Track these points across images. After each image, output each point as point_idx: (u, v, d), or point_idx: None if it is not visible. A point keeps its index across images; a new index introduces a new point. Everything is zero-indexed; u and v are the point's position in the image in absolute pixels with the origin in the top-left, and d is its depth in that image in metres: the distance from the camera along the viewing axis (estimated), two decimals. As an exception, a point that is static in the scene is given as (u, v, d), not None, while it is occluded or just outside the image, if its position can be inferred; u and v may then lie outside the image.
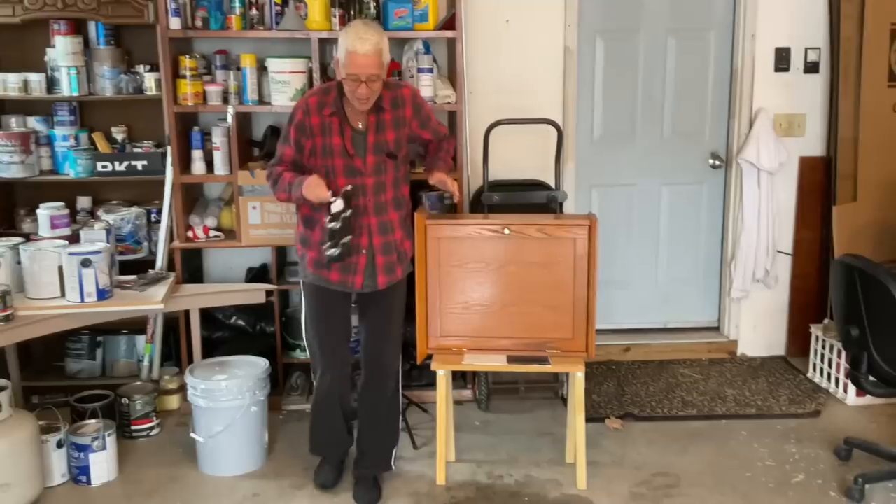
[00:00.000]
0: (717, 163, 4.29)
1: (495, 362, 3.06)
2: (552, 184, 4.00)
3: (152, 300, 3.27)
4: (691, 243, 4.41)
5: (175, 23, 3.44)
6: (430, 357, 3.13)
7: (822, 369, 4.05)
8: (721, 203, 4.37)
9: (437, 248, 2.99)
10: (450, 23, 3.63)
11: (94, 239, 3.33)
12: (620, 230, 4.33)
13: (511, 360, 3.05)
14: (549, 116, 3.96)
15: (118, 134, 3.83)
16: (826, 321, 4.08)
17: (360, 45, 2.52)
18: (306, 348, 3.14)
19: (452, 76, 3.78)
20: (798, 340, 4.32)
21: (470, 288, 3.06)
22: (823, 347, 4.03)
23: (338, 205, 2.57)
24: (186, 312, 3.60)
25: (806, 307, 4.31)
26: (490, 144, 3.69)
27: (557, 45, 4.03)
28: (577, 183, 4.21)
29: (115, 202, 3.91)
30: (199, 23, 3.48)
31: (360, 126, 2.70)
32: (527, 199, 3.71)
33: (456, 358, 3.08)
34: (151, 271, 3.59)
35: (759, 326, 4.39)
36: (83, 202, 3.87)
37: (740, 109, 4.17)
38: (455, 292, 3.06)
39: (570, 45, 4.03)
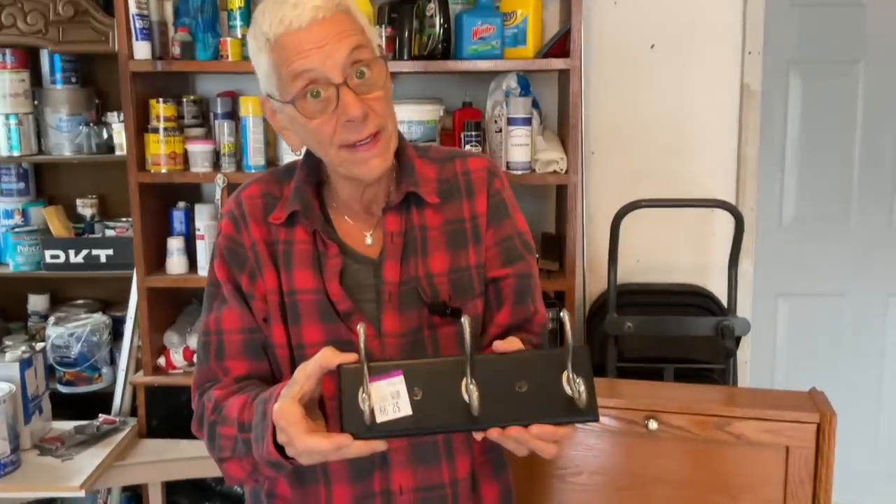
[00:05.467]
0: (983, 264, 2.74)
1: None
2: (717, 293, 2.58)
3: (67, 483, 2.07)
4: (937, 387, 2.85)
5: (142, 50, 2.28)
6: None
7: None
8: None
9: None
10: (559, 46, 2.29)
11: (1, 378, 2.17)
12: (823, 361, 2.84)
13: None
14: (713, 188, 2.64)
15: (86, 209, 2.70)
16: None
17: (290, 10, 1.07)
18: None
19: (563, 130, 2.44)
20: None
21: (580, 518, 1.66)
22: None
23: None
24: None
25: None
26: (620, 233, 2.33)
27: (731, 83, 2.62)
28: (755, 289, 2.75)
29: (80, 302, 2.78)
30: (175, 49, 2.30)
31: (368, 241, 1.21)
32: (681, 328, 2.28)
33: None
34: (101, 417, 2.40)
35: None
36: (36, 303, 2.75)
37: None
38: (553, 524, 1.67)
39: (752, 82, 2.61)
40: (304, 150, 1.20)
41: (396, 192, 1.19)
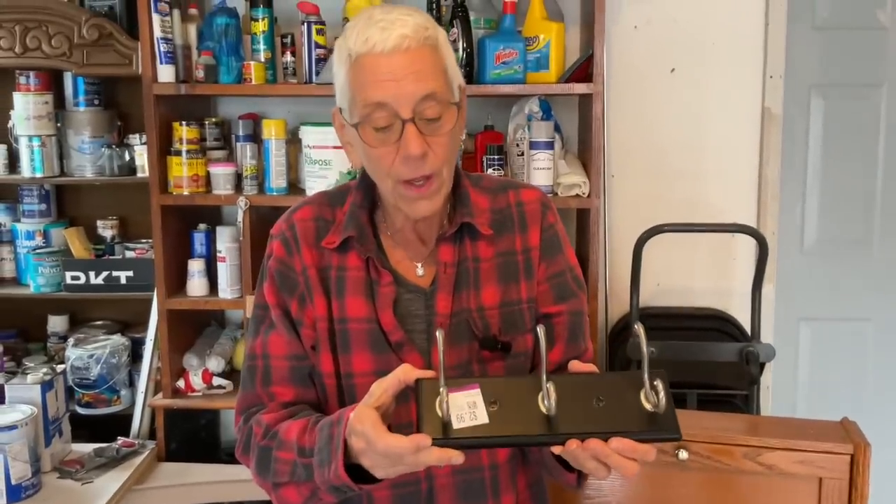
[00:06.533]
0: None
1: None
2: (739, 317, 2.57)
3: (87, 508, 2.06)
4: (965, 415, 2.80)
5: (166, 73, 2.29)
6: None
7: None
8: None
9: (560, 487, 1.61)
10: (582, 71, 2.29)
11: (21, 400, 2.17)
12: (846, 387, 2.80)
13: None
14: (734, 212, 2.61)
15: (106, 230, 2.70)
16: None
17: (377, 33, 1.05)
18: None
19: (584, 153, 2.43)
20: None
21: (608, 550, 1.64)
22: None
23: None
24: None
25: None
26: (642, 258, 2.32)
27: (752, 107, 2.60)
28: (776, 314, 2.71)
29: (99, 323, 2.78)
30: (200, 73, 2.31)
31: (420, 272, 1.19)
32: (705, 353, 2.26)
33: None
34: (120, 440, 2.40)
35: None
36: (56, 324, 2.75)
37: None
38: (580, 556, 1.65)
39: (773, 106, 2.60)
40: (360, 172, 1.20)
41: (451, 223, 1.18)
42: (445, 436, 0.95)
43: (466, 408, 0.97)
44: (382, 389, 1.00)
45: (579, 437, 0.95)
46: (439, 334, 0.96)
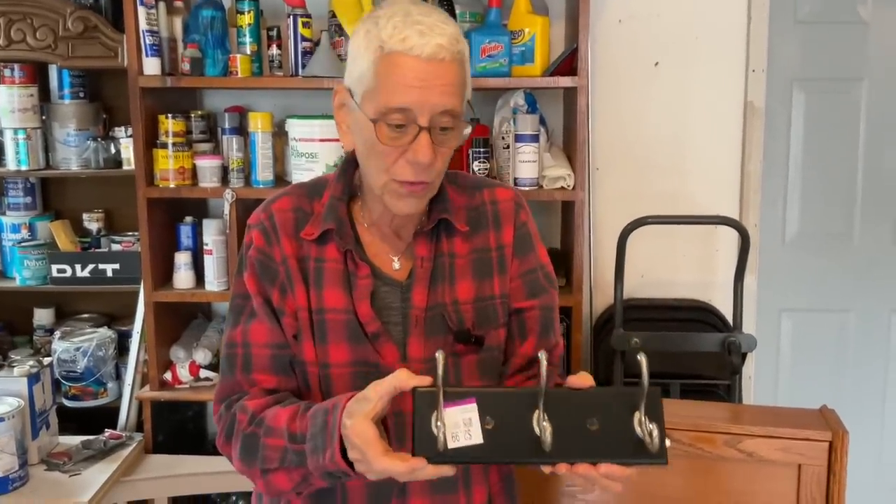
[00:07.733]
0: None
1: None
2: (721, 309, 2.60)
3: (75, 499, 2.06)
4: (940, 403, 2.85)
5: (152, 65, 2.29)
6: None
7: None
8: None
9: (535, 474, 1.63)
10: (566, 65, 2.31)
11: (7, 392, 2.17)
12: (826, 377, 2.84)
13: None
14: (717, 205, 2.64)
15: (92, 223, 2.70)
16: None
17: (416, 36, 1.05)
18: None
19: (569, 146, 2.45)
20: None
21: (593, 537, 1.67)
22: None
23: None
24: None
25: None
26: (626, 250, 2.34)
27: (735, 101, 2.64)
28: (758, 305, 2.76)
29: (85, 316, 2.78)
30: (185, 65, 2.31)
31: (396, 265, 1.21)
32: (688, 344, 2.29)
33: None
34: (107, 432, 2.40)
35: None
36: (42, 317, 2.75)
37: None
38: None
39: (755, 99, 2.63)
40: (342, 162, 1.22)
41: (428, 218, 1.20)
42: (440, 455, 0.96)
43: (462, 425, 0.97)
44: (378, 396, 1.00)
45: (570, 462, 0.98)
46: (439, 355, 0.97)
